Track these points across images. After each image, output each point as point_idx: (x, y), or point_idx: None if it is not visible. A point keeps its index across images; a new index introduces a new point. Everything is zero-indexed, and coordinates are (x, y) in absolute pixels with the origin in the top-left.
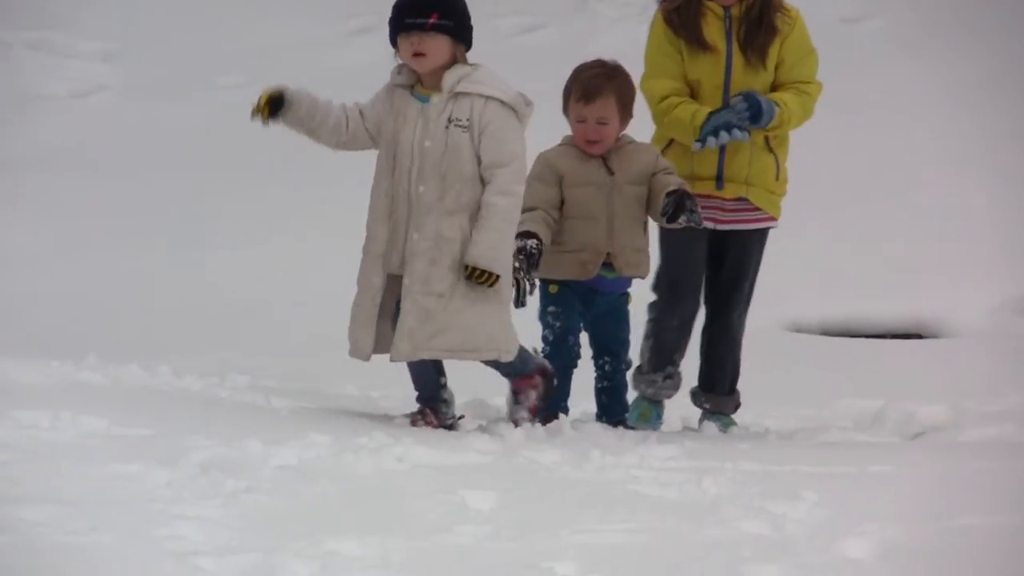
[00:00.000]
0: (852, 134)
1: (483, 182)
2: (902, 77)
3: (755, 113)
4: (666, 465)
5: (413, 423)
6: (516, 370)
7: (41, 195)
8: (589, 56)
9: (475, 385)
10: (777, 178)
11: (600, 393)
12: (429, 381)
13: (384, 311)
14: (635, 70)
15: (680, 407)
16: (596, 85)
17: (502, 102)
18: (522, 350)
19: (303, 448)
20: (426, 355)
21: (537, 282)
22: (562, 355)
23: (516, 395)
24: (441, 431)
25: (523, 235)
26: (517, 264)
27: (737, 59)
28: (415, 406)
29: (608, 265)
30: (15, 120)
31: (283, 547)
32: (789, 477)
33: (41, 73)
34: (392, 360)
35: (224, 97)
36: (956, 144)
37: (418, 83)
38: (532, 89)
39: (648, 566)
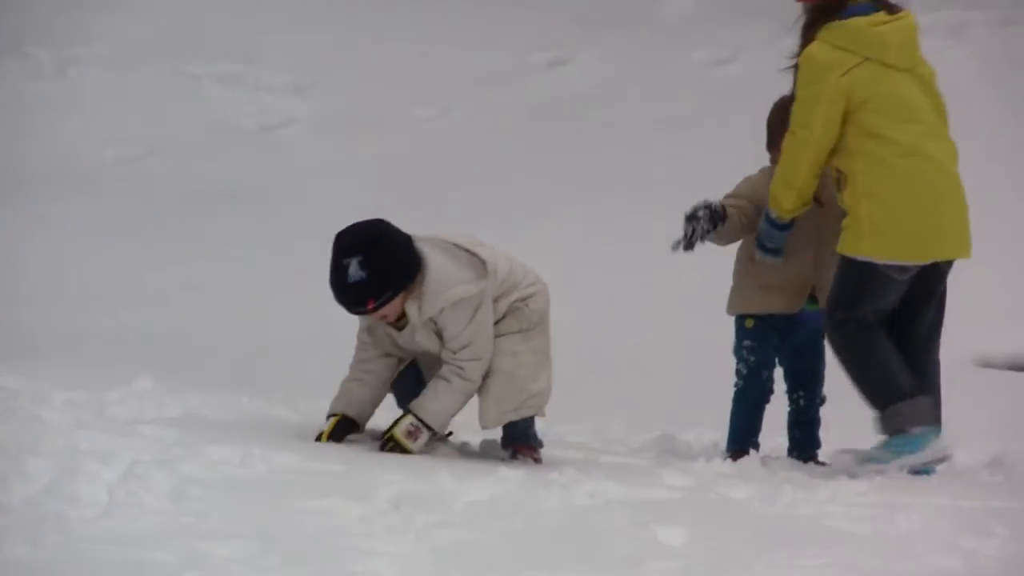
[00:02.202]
0: None
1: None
2: None
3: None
4: (858, 500)
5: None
6: (526, 436)
7: (230, 228)
8: (782, 91)
9: (665, 420)
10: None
11: (793, 427)
12: (411, 392)
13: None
14: None
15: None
16: None
17: (453, 303)
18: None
19: (494, 483)
20: (514, 417)
21: (707, 241)
22: (755, 389)
23: (514, 456)
24: (630, 466)
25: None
26: (699, 214)
27: None
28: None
29: (811, 297)
30: (205, 154)
31: None
32: (980, 512)
33: (230, 107)
34: (483, 428)
35: (418, 129)
36: None
37: None
38: (723, 120)
39: None
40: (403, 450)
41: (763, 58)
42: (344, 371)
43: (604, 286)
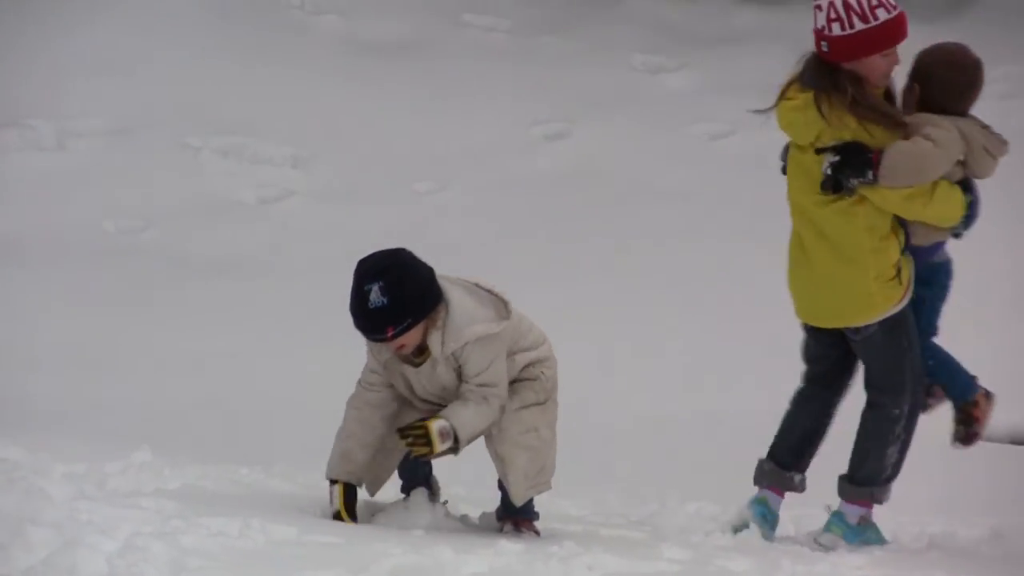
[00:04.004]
0: None
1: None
2: None
3: None
4: (856, 574)
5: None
6: (527, 510)
7: (229, 300)
8: (778, 163)
9: (664, 493)
10: None
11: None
12: (418, 471)
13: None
14: None
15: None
16: None
17: (477, 339)
18: None
19: (494, 556)
20: (533, 493)
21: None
22: None
23: (516, 529)
24: (629, 539)
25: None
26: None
27: None
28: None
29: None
30: (204, 226)
31: None
32: None
33: (230, 179)
34: (516, 504)
35: (418, 203)
36: None
37: None
38: (722, 192)
39: None
40: (427, 444)
41: (761, 132)
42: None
43: (602, 356)
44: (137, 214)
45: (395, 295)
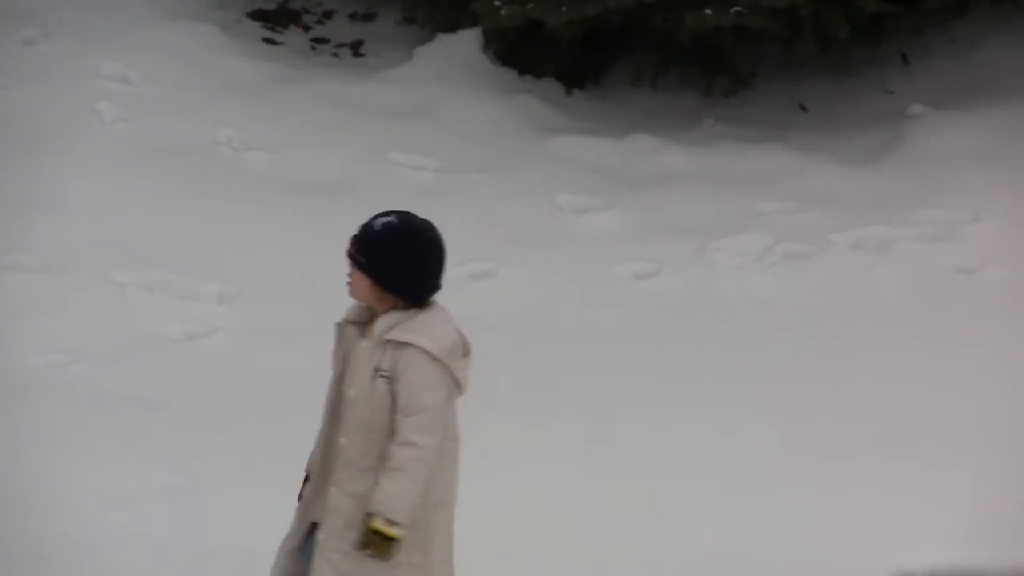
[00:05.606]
0: (980, 382)
1: None
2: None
3: None
4: None
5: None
6: None
7: (154, 438)
8: (705, 303)
9: None
10: None
11: None
12: None
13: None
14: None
15: None
16: None
17: (422, 350)
18: None
19: None
20: None
21: None
22: None
23: None
24: None
25: None
26: None
27: None
28: None
29: None
30: (129, 362)
31: None
32: None
33: (155, 315)
34: None
35: None
36: None
37: (370, 321)
38: (648, 333)
39: None
40: (385, 540)
41: (687, 271)
42: None
43: (529, 500)
44: (64, 349)
45: (390, 235)
